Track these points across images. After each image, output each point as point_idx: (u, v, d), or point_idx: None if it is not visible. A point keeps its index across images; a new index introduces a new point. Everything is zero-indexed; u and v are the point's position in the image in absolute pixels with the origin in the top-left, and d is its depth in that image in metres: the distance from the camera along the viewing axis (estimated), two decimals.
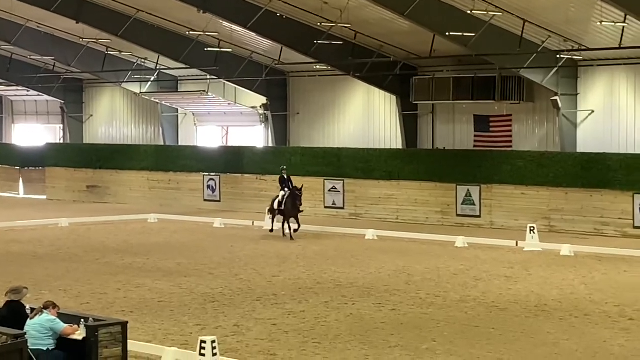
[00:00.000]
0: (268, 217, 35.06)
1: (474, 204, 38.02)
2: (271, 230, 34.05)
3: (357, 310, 20.86)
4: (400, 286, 23.94)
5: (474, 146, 40.92)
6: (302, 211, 33.80)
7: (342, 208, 41.61)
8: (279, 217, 34.05)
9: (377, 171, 40.56)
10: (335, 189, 41.82)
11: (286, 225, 33.51)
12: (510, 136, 40.31)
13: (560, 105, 37.41)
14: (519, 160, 37.07)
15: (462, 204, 38.29)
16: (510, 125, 40.34)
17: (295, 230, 33.46)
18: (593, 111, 37.75)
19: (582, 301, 21.88)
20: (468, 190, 37.99)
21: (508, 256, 29.49)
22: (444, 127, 42.56)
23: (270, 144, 47.90)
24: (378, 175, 40.42)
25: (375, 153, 41.63)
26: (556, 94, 37.46)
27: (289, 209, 33.44)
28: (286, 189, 34.07)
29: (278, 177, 35.38)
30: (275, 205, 33.90)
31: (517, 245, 31.44)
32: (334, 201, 41.88)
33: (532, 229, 31.72)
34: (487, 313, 20.63)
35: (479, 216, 37.66)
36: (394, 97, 43.42)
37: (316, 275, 25.60)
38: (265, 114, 48.53)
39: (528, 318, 20.11)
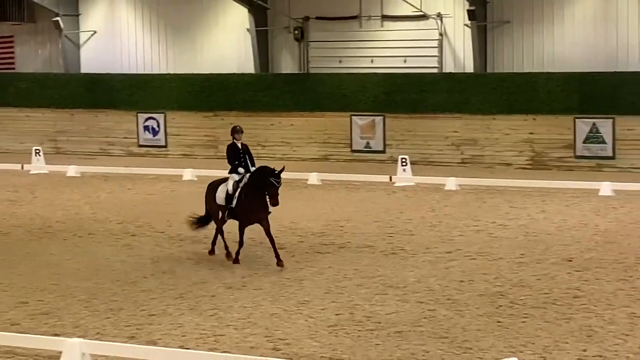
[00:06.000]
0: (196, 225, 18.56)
1: None
2: (212, 251, 18.02)
3: None
4: None
5: None
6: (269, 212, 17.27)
7: None
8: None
9: None
10: None
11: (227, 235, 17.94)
12: (13, 58, 39.54)
13: (62, 26, 37.15)
14: (22, 82, 36.70)
15: None
16: (12, 47, 39.54)
17: (276, 251, 17.00)
18: (95, 32, 37.86)
19: (86, 220, 22.17)
20: None
21: (13, 180, 29.13)
22: None
23: None
24: None
25: None
26: (57, 15, 37.15)
27: (251, 207, 17.14)
28: (241, 169, 17.56)
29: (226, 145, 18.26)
30: (220, 200, 17.60)
31: (22, 168, 31.15)
32: None
33: (37, 151, 31.54)
34: None
35: None
36: None
37: None
38: None
39: (32, 241, 20.05)
